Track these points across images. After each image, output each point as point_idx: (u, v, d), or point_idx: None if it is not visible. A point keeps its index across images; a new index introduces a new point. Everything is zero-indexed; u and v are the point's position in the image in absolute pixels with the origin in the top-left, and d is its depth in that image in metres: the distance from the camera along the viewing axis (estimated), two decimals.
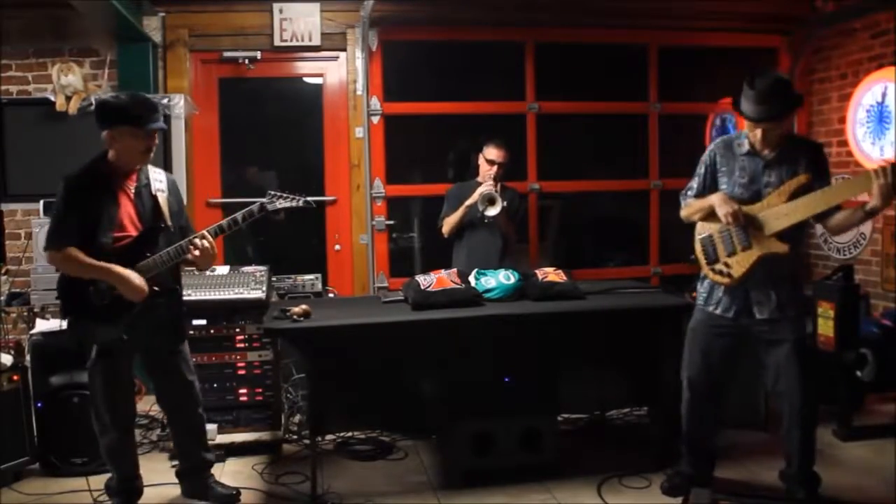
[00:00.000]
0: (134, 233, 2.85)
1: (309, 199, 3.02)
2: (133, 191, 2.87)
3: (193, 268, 3.16)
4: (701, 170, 3.07)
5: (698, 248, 3.05)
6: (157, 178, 2.95)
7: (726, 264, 2.94)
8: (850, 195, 2.80)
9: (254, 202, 2.95)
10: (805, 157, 2.87)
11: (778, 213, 2.82)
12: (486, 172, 4.13)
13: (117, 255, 2.78)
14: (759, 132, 2.83)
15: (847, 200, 2.82)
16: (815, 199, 2.76)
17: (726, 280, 2.94)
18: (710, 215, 2.94)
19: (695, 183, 3.09)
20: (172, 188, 3.02)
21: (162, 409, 3.24)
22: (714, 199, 2.92)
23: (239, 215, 2.90)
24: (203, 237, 2.83)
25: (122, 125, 2.75)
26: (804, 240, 3.13)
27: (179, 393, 3.09)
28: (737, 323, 2.97)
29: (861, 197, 2.86)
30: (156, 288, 2.83)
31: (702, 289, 3.09)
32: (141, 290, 2.77)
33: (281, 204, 2.93)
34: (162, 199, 2.91)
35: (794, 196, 2.79)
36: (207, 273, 3.85)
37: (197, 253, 2.83)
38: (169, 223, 2.90)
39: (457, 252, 4.21)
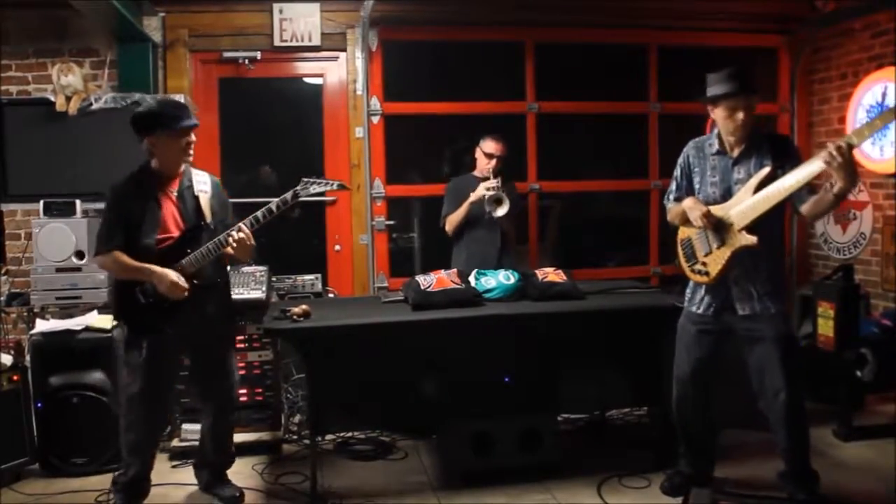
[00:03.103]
0: (177, 233, 2.95)
1: (343, 182, 3.07)
2: (175, 193, 2.99)
3: (237, 263, 3.27)
4: (677, 173, 3.16)
5: (679, 251, 3.12)
6: (201, 180, 3.06)
7: (703, 263, 2.99)
8: (805, 179, 2.73)
9: (265, 202, 2.96)
10: (772, 149, 2.90)
11: (745, 207, 2.84)
12: (485, 166, 4.13)
13: (162, 255, 2.90)
14: (739, 115, 2.85)
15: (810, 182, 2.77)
16: (776, 188, 2.77)
17: (704, 279, 2.99)
18: (688, 219, 3.00)
19: (673, 187, 3.18)
20: (215, 190, 3.09)
21: (201, 408, 3.25)
22: (685, 204, 3.01)
23: (273, 205, 2.94)
24: (239, 229, 2.89)
25: (158, 130, 2.88)
26: (781, 233, 3.13)
27: (219, 399, 3.16)
28: (719, 320, 3.01)
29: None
30: (195, 281, 2.91)
31: (687, 290, 3.16)
32: (178, 287, 2.86)
33: (315, 189, 2.94)
34: (204, 199, 3.01)
35: (760, 189, 2.81)
36: None
37: (235, 245, 2.88)
38: (209, 222, 2.98)
39: (457, 250, 4.20)
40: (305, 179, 2.95)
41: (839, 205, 2.82)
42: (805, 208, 2.85)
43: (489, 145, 4.15)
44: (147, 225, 2.91)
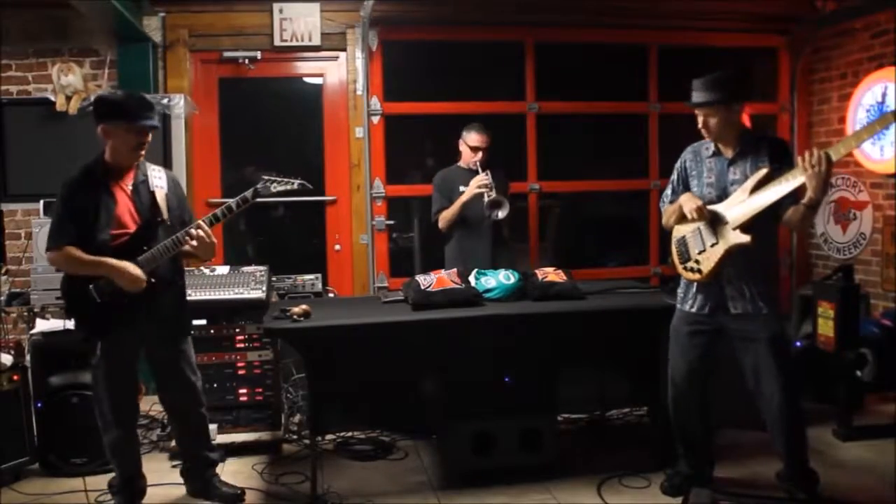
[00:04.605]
0: (133, 229, 2.87)
1: (304, 182, 3.00)
2: (130, 187, 2.91)
3: (196, 261, 3.19)
4: (674, 176, 3.19)
5: (673, 250, 3.13)
6: (156, 175, 2.98)
7: (697, 261, 3.00)
8: (797, 182, 2.74)
9: (264, 201, 2.94)
10: (768, 152, 2.92)
11: (740, 207, 2.86)
12: (471, 158, 4.13)
13: (117, 251, 2.81)
14: (699, 119, 2.95)
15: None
16: (769, 190, 2.78)
17: (697, 276, 3.00)
18: (683, 217, 3.02)
19: (669, 190, 3.20)
20: (172, 185, 3.04)
21: (163, 408, 3.24)
22: (681, 199, 3.03)
23: (233, 202, 2.91)
24: (199, 226, 2.85)
25: (116, 120, 2.80)
26: (776, 234, 3.13)
27: (180, 393, 3.10)
28: (712, 319, 3.02)
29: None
30: (152, 280, 2.85)
31: (679, 289, 3.16)
32: (137, 280, 2.79)
33: (276, 188, 2.92)
34: (160, 194, 2.93)
35: (756, 189, 2.82)
36: (207, 273, 3.87)
37: (194, 243, 2.84)
38: (165, 217, 2.91)
39: (450, 246, 4.21)
40: (266, 178, 2.93)
41: (812, 216, 2.83)
42: (786, 216, 2.86)
43: (473, 138, 4.12)
44: (101, 220, 2.81)
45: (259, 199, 2.95)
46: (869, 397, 4.17)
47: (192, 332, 3.20)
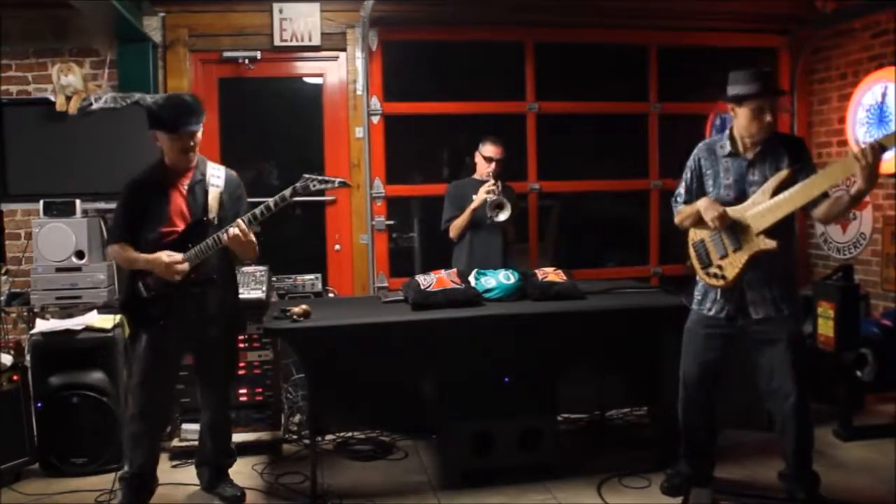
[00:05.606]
0: (182, 227, 2.95)
1: (345, 179, 3.04)
2: (186, 187, 2.99)
3: (239, 260, 3.26)
4: (687, 175, 3.11)
5: (692, 253, 3.08)
6: (215, 174, 3.05)
7: (719, 267, 2.95)
8: (829, 183, 2.76)
9: (263, 201, 2.95)
10: (787, 151, 2.89)
11: (763, 210, 2.82)
12: (486, 170, 4.14)
13: (166, 249, 2.90)
14: (766, 117, 2.83)
15: (832, 186, 2.79)
16: (797, 191, 2.77)
17: (721, 283, 2.96)
18: (701, 221, 2.97)
19: (682, 189, 3.14)
20: (230, 184, 3.08)
21: (200, 405, 3.26)
22: (700, 205, 2.96)
23: (271, 201, 2.93)
24: (236, 225, 2.88)
25: (158, 129, 2.91)
26: (795, 235, 3.11)
27: (211, 389, 3.17)
28: (730, 324, 2.99)
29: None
30: (192, 276, 2.91)
31: (696, 291, 3.12)
32: (171, 266, 2.85)
33: (316, 186, 2.93)
34: (213, 193, 3.00)
35: (778, 192, 2.80)
36: None
37: (228, 241, 2.88)
38: (211, 216, 2.97)
39: (458, 252, 4.21)
40: (306, 176, 2.93)
41: (855, 206, 2.82)
42: (820, 211, 2.83)
43: (489, 149, 4.17)
44: (153, 218, 2.94)
45: (262, 199, 2.97)
46: (869, 397, 4.18)
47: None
